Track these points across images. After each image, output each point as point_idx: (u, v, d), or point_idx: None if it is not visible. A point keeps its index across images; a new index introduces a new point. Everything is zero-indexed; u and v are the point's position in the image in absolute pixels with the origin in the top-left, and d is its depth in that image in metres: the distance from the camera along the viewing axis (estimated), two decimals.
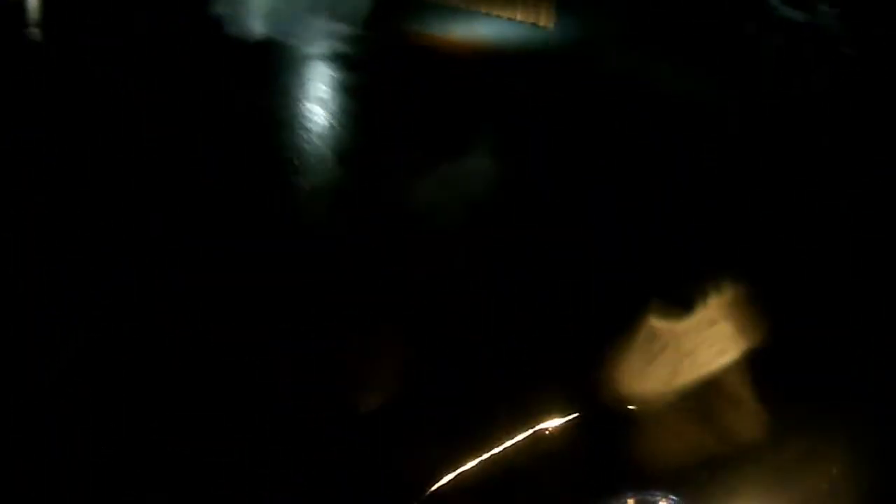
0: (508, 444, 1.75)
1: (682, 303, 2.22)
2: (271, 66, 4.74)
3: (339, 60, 4.82)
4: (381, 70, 4.79)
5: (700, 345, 2.06)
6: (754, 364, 2.02)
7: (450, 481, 1.67)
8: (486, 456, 1.72)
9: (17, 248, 2.62)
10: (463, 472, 1.69)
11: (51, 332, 2.16)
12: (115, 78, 4.07)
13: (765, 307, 2.21)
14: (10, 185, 3.02)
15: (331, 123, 4.15)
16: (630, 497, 1.61)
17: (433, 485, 1.66)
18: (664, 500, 1.60)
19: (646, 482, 1.63)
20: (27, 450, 1.76)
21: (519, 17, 5.44)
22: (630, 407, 1.87)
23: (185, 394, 2.04)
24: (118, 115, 3.74)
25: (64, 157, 3.34)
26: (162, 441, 1.84)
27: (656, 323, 2.12)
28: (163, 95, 3.94)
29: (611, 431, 1.83)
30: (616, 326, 2.18)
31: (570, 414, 1.84)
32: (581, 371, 2.04)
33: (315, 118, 4.21)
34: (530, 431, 1.78)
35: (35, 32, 4.79)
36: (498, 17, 5.49)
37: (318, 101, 4.43)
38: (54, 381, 1.97)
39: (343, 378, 2.12)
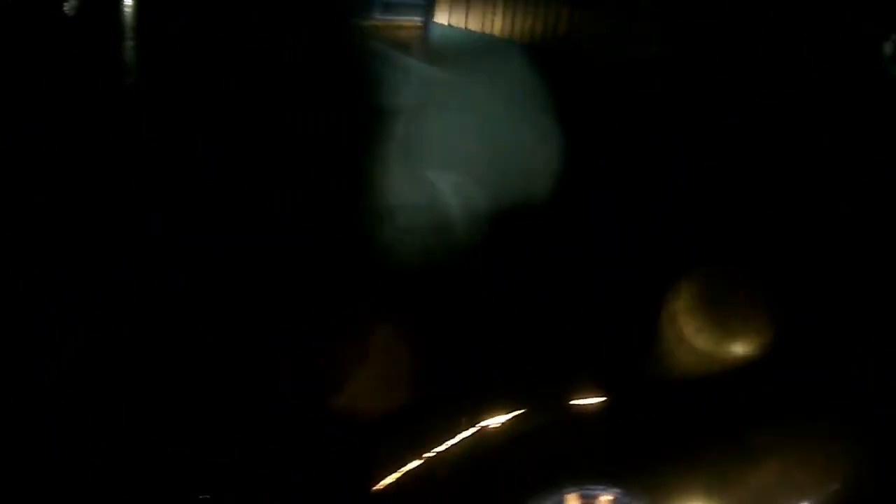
0: (452, 441, 1.75)
1: None
2: None
3: None
4: None
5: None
6: (696, 361, 2.02)
7: (392, 480, 1.68)
8: (429, 454, 1.72)
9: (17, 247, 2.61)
10: (405, 471, 1.69)
11: (51, 333, 2.15)
12: None
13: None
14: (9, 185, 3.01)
15: None
16: (572, 491, 1.62)
17: (375, 484, 1.66)
18: (606, 493, 1.61)
19: (588, 476, 1.65)
20: (27, 450, 1.75)
21: None
22: (573, 402, 1.88)
23: (184, 394, 2.03)
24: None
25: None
26: (162, 441, 1.82)
27: None
28: None
29: (554, 427, 1.84)
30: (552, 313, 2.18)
31: (514, 410, 1.84)
32: (525, 367, 2.04)
33: None
34: (475, 428, 1.78)
35: None
36: None
37: None
38: (54, 382, 1.97)
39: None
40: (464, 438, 1.79)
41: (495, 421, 1.84)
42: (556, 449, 1.76)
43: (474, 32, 4.67)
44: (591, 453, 1.72)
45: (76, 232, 2.78)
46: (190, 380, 2.08)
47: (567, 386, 1.90)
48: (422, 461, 1.74)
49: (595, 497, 1.62)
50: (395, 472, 1.72)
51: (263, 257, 2.83)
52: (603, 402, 1.85)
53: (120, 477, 1.73)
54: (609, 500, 1.62)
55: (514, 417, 1.85)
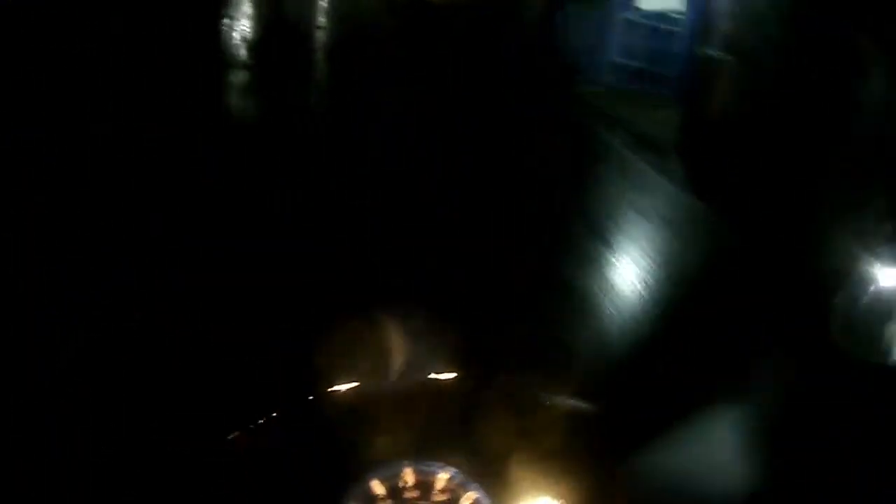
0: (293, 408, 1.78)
1: None
2: None
3: None
4: None
5: None
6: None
7: (189, 468, 1.70)
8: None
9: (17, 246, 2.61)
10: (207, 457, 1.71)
11: (51, 332, 2.15)
12: None
13: None
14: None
15: None
16: (408, 465, 1.68)
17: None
18: (442, 471, 1.67)
19: (425, 453, 1.69)
20: (27, 450, 1.75)
21: None
22: (428, 377, 1.91)
23: (185, 394, 2.03)
24: None
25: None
26: (162, 441, 1.81)
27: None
28: None
29: (389, 402, 1.87)
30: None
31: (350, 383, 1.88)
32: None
33: None
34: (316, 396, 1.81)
35: None
36: None
37: None
38: (55, 381, 1.97)
39: None
40: (306, 406, 1.82)
41: (343, 388, 1.88)
42: (402, 423, 1.79)
43: None
44: (438, 431, 1.76)
45: (76, 231, 2.78)
46: (190, 380, 2.07)
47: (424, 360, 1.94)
48: (263, 426, 1.77)
49: (432, 473, 1.66)
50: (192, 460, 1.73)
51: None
52: (456, 378, 1.88)
53: (120, 476, 1.71)
54: (445, 479, 1.66)
55: (351, 389, 1.89)
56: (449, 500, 1.66)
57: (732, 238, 3.13)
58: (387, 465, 1.69)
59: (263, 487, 1.67)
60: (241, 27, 4.53)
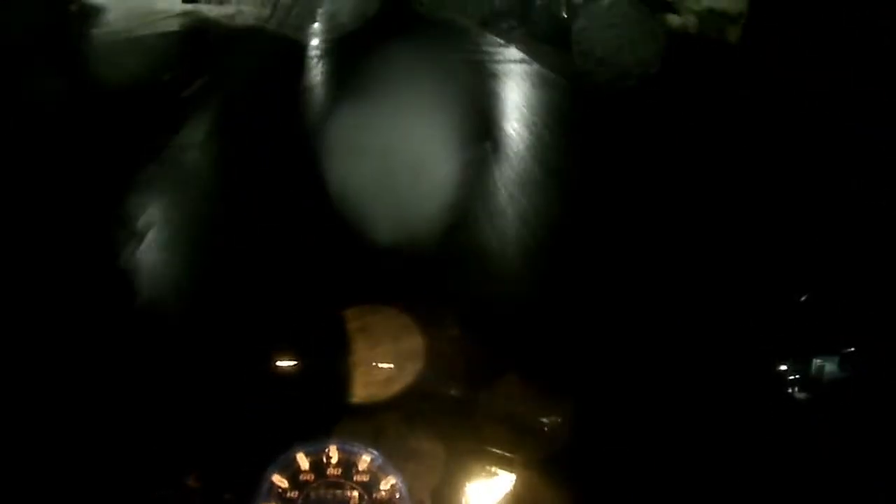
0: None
1: None
2: None
3: None
4: None
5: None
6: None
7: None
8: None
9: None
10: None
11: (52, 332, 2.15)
12: None
13: None
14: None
15: None
16: (333, 444, 1.68)
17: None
18: (365, 453, 1.66)
19: (348, 435, 1.67)
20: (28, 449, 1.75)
21: None
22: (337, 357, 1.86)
23: (185, 393, 2.01)
24: None
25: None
26: (162, 442, 1.79)
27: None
28: None
29: (316, 381, 1.83)
30: None
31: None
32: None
33: None
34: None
35: None
36: None
37: None
38: (56, 380, 2.01)
39: None
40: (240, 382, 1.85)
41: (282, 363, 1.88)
42: (333, 402, 1.77)
43: None
44: (353, 415, 1.72)
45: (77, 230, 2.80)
46: (190, 380, 2.05)
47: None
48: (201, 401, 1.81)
49: (356, 454, 1.67)
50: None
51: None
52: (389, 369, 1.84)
53: (120, 476, 1.71)
54: (367, 462, 1.67)
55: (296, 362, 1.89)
56: (368, 481, 1.71)
57: None
58: (312, 441, 1.75)
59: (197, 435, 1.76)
60: None
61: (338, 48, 14.16)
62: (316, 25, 17.42)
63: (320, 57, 13.67)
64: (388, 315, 1.95)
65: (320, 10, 18.95)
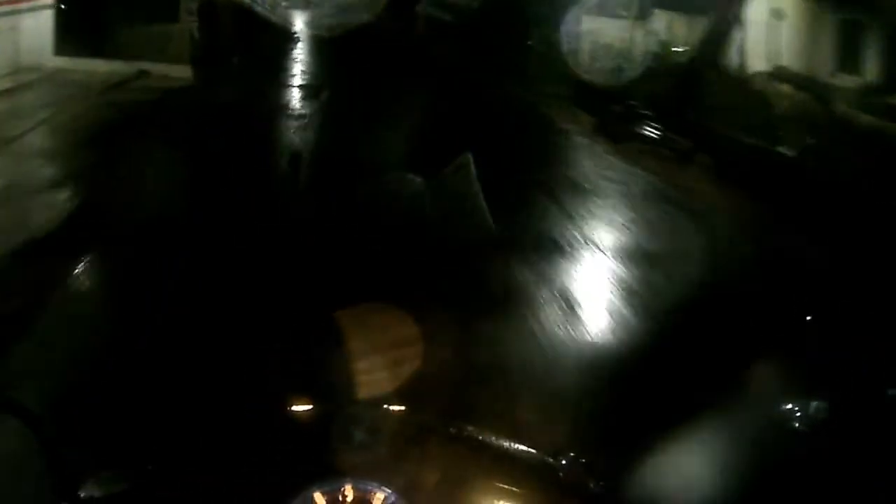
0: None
1: None
2: None
3: None
4: None
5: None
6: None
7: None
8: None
9: None
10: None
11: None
12: None
13: None
14: None
15: None
16: (348, 482, 1.71)
17: None
18: (379, 491, 1.68)
19: (363, 474, 1.70)
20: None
21: None
22: (350, 400, 1.90)
23: (185, 394, 2.10)
24: None
25: None
26: (164, 443, 1.89)
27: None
28: None
29: (331, 423, 1.86)
30: None
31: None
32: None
33: None
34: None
35: None
36: None
37: None
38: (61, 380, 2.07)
39: None
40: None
41: (298, 407, 1.93)
42: (348, 443, 1.82)
43: None
44: (368, 453, 1.77)
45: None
46: (190, 380, 2.15)
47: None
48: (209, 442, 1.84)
49: (371, 492, 1.70)
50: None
51: None
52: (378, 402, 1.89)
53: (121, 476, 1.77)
54: (381, 499, 1.69)
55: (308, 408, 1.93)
56: None
57: None
58: (328, 481, 1.80)
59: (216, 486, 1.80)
60: None
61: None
62: None
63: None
64: (393, 322, 2.02)
65: None
